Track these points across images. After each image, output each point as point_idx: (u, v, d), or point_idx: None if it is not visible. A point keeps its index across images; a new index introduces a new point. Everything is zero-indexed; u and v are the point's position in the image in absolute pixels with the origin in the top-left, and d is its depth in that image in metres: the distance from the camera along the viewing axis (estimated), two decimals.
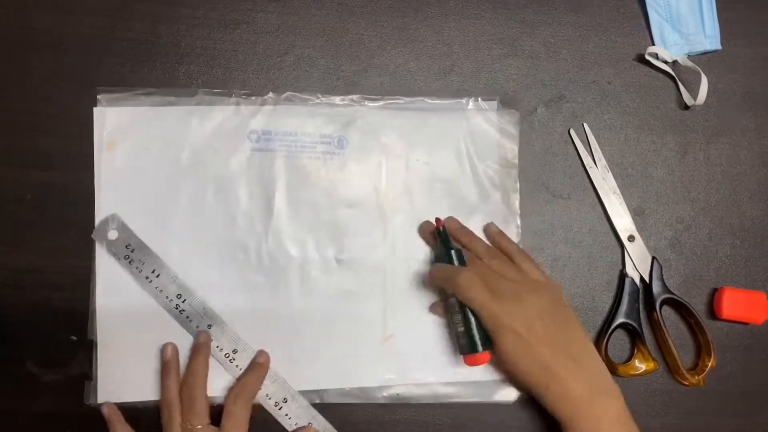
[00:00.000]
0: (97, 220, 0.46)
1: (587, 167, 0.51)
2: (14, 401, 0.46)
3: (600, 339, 0.49)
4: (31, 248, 0.47)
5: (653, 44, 0.53)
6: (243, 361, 0.46)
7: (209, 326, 0.46)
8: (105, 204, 0.47)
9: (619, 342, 0.50)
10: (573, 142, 0.51)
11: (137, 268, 0.46)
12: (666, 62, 0.52)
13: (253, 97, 0.48)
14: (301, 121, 0.48)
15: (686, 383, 0.49)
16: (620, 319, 0.49)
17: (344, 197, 0.48)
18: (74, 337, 0.46)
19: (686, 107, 0.52)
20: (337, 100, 0.49)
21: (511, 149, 0.50)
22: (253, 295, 0.47)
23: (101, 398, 0.45)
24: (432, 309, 0.48)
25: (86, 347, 0.46)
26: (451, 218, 0.48)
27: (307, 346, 0.47)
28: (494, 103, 0.50)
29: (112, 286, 0.46)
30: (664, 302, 0.50)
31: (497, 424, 0.49)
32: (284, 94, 0.49)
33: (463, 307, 0.43)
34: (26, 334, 0.46)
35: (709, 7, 0.53)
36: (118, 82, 0.48)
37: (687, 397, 0.50)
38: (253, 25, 0.50)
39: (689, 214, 0.52)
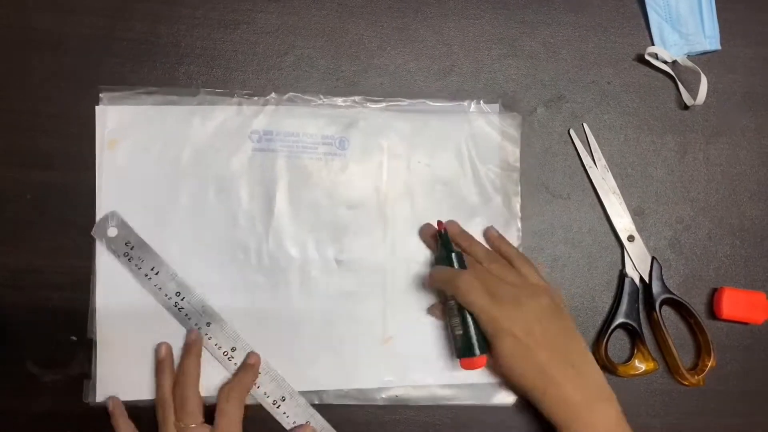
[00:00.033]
0: (98, 219, 0.46)
1: (587, 167, 0.51)
2: (14, 401, 0.46)
3: (600, 339, 0.49)
4: (31, 248, 0.47)
5: (653, 44, 0.53)
6: (241, 360, 0.46)
7: (208, 324, 0.46)
8: (106, 202, 0.47)
9: (618, 342, 0.50)
10: (573, 142, 0.51)
11: (136, 265, 0.46)
12: (666, 62, 0.52)
13: (255, 98, 0.48)
14: (303, 122, 0.48)
15: (686, 383, 0.49)
16: (620, 319, 0.49)
17: (345, 198, 0.48)
18: (74, 337, 0.46)
19: (686, 107, 0.53)
20: (338, 101, 0.49)
21: (513, 152, 0.50)
22: (253, 295, 0.47)
23: (100, 397, 0.45)
24: (430, 311, 0.48)
25: (86, 347, 0.46)
26: (451, 222, 0.48)
27: (306, 346, 0.47)
28: (496, 106, 0.50)
29: (112, 285, 0.46)
30: (663, 302, 0.50)
31: (497, 425, 0.49)
32: (286, 95, 0.49)
33: (462, 310, 0.43)
34: (26, 334, 0.46)
35: (709, 7, 0.53)
36: (118, 82, 0.48)
37: (687, 397, 0.50)
38: (253, 26, 0.50)
39: (689, 214, 0.52)
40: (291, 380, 0.46)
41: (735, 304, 0.50)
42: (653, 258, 0.50)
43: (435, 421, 0.48)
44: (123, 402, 0.45)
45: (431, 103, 0.50)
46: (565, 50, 0.52)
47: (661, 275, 0.50)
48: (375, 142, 0.49)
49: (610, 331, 0.49)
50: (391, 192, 0.49)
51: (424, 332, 0.48)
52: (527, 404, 0.47)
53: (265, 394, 0.46)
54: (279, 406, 0.46)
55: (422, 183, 0.49)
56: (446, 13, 0.52)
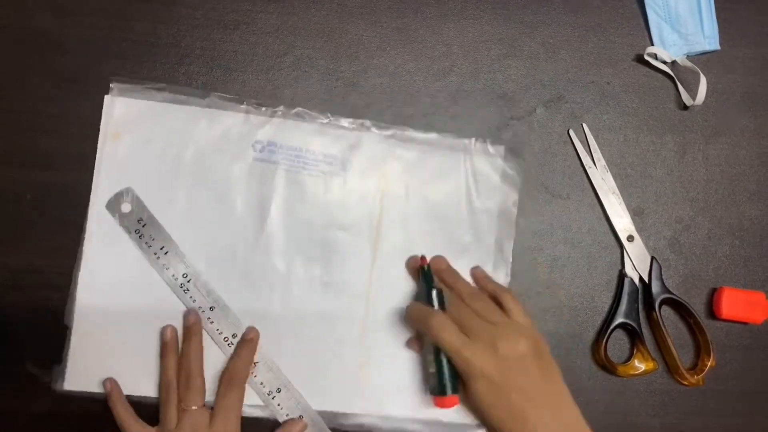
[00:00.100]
0: (92, 206, 0.46)
1: (586, 167, 0.51)
2: (14, 401, 0.46)
3: (599, 339, 0.49)
4: (31, 248, 0.47)
5: (652, 44, 0.53)
6: None
7: (212, 308, 0.46)
8: (102, 192, 0.47)
9: (618, 342, 0.50)
10: (572, 143, 0.51)
11: (146, 243, 0.46)
12: (665, 62, 0.52)
13: (264, 108, 0.48)
14: (308, 138, 0.48)
15: (686, 383, 0.49)
16: (619, 319, 0.49)
17: (339, 219, 0.48)
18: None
19: (685, 107, 0.53)
20: (346, 122, 0.49)
21: (512, 196, 0.50)
22: (235, 302, 0.47)
23: (69, 385, 0.45)
24: (408, 344, 0.47)
25: (61, 333, 0.45)
26: (439, 257, 0.48)
27: (280, 360, 0.47)
28: (501, 148, 0.50)
29: (97, 274, 0.46)
30: (663, 302, 0.50)
31: None
32: (295, 109, 0.49)
33: (436, 348, 0.43)
34: (26, 334, 0.46)
35: (708, 7, 0.53)
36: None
37: (686, 396, 0.50)
38: (253, 26, 0.50)
39: (688, 214, 0.52)
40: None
41: (734, 303, 0.50)
42: (653, 258, 0.50)
43: None
44: (92, 394, 0.45)
45: (438, 136, 0.49)
46: (564, 50, 0.52)
47: (661, 275, 0.50)
48: (376, 167, 0.49)
49: (609, 331, 0.49)
50: (386, 219, 0.48)
51: (401, 364, 0.47)
52: None
53: (261, 384, 0.46)
54: (274, 397, 0.46)
55: (417, 214, 0.49)
56: (446, 13, 0.52)
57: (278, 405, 0.46)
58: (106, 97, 0.47)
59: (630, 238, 0.50)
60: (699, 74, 0.51)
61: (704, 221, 0.52)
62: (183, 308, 0.46)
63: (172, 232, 0.47)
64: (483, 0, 0.52)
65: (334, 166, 0.48)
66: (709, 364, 0.49)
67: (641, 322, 0.50)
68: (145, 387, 0.45)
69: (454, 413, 0.46)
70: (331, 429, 0.47)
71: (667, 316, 0.50)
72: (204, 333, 0.46)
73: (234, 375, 0.45)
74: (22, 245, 0.47)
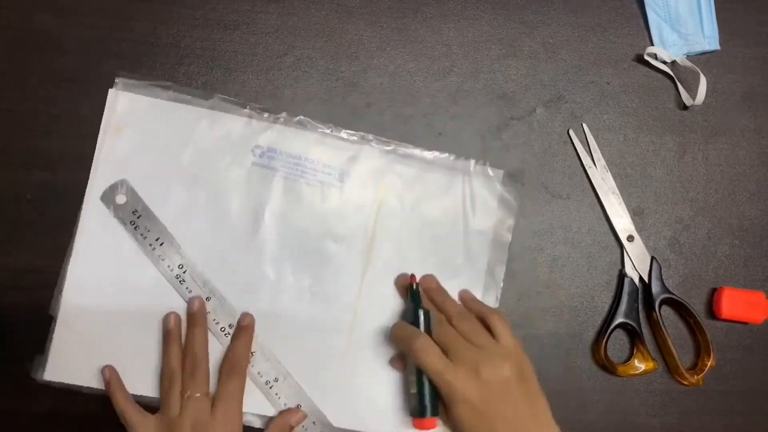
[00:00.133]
0: (87, 198, 0.46)
1: (586, 167, 0.51)
2: (14, 401, 0.46)
3: (599, 339, 0.49)
4: (31, 248, 0.47)
5: (652, 44, 0.53)
6: None
7: (208, 299, 0.46)
8: (98, 184, 0.47)
9: (618, 342, 0.50)
10: (572, 143, 0.52)
11: (142, 234, 0.46)
12: (665, 62, 0.52)
13: (266, 114, 0.48)
14: (308, 147, 0.48)
15: (686, 383, 0.49)
16: (619, 319, 0.49)
17: (333, 230, 0.48)
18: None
19: (685, 107, 0.53)
20: (346, 134, 0.49)
21: (507, 221, 0.49)
22: (223, 307, 0.47)
23: (49, 376, 0.45)
24: (392, 362, 0.47)
25: (46, 323, 0.45)
26: (429, 277, 0.48)
27: (262, 367, 0.46)
28: (500, 173, 0.50)
29: (91, 265, 0.46)
30: (663, 302, 0.50)
31: None
32: (297, 117, 0.49)
33: (419, 369, 0.42)
34: (26, 334, 0.46)
35: (708, 7, 0.53)
36: None
37: (686, 396, 0.50)
38: (253, 26, 0.50)
39: (688, 214, 0.52)
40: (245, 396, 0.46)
41: (734, 303, 0.50)
42: (653, 258, 0.50)
43: None
44: (71, 386, 0.45)
45: (438, 155, 0.49)
46: (564, 50, 0.52)
47: (661, 275, 0.50)
48: (374, 181, 0.49)
49: (609, 330, 0.49)
50: (379, 234, 0.48)
51: (383, 382, 0.47)
52: None
53: (258, 373, 0.46)
54: (272, 386, 0.46)
55: (412, 231, 0.49)
56: (445, 13, 0.52)
57: (276, 395, 0.46)
58: (110, 90, 0.47)
59: (630, 238, 0.50)
60: (699, 74, 0.51)
61: (704, 221, 0.52)
62: (178, 299, 0.46)
63: (162, 228, 0.47)
64: (483, 0, 0.52)
65: (332, 176, 0.48)
66: (709, 364, 0.49)
67: (641, 322, 0.50)
68: (132, 383, 0.45)
69: None
70: None
71: (667, 316, 0.50)
72: None
73: (234, 362, 0.45)
74: (22, 245, 0.47)
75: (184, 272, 0.46)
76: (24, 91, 0.48)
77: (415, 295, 0.45)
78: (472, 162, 0.49)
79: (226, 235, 0.47)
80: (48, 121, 0.48)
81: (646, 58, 0.52)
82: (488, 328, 0.44)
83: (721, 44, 0.53)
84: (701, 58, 0.53)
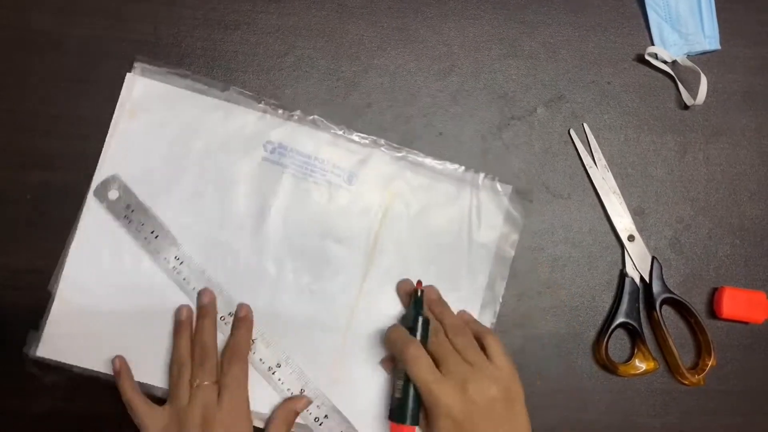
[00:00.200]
0: (95, 180, 0.47)
1: (587, 167, 0.51)
2: (14, 401, 0.46)
3: (600, 338, 0.49)
4: (31, 248, 0.47)
5: (653, 44, 0.53)
6: None
7: (205, 289, 0.46)
8: (106, 168, 0.47)
9: (619, 341, 0.50)
10: (573, 142, 0.51)
11: (136, 228, 0.46)
12: (665, 62, 0.52)
13: (281, 111, 0.48)
14: (319, 147, 0.48)
15: (686, 383, 0.49)
16: (620, 319, 0.49)
17: (337, 232, 0.48)
18: None
19: (686, 107, 0.53)
20: (358, 137, 0.49)
21: (512, 237, 0.49)
22: (219, 297, 0.47)
23: (41, 352, 0.45)
24: (382, 363, 0.47)
25: (44, 299, 0.46)
26: (431, 287, 0.48)
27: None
28: (509, 188, 0.49)
29: (90, 248, 0.46)
30: (664, 302, 0.50)
31: None
32: (311, 116, 0.49)
33: (407, 376, 0.42)
34: (26, 334, 0.46)
35: (709, 7, 0.53)
36: (118, 82, 0.48)
37: (687, 396, 0.50)
38: (254, 26, 0.50)
39: (689, 213, 0.52)
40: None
41: (735, 303, 0.50)
42: (653, 257, 0.50)
43: None
44: (63, 364, 0.45)
45: (448, 166, 0.49)
46: (565, 50, 0.52)
47: (662, 275, 0.50)
48: (382, 186, 0.49)
49: (610, 330, 0.49)
50: (383, 239, 0.48)
51: (373, 387, 0.47)
52: None
53: (260, 360, 0.46)
54: (274, 372, 0.46)
55: (416, 239, 0.48)
56: (446, 13, 0.52)
57: (279, 380, 0.46)
58: (128, 75, 0.48)
59: (631, 238, 0.50)
60: (699, 74, 0.51)
61: (705, 221, 0.52)
62: (176, 291, 0.46)
63: (170, 216, 0.47)
64: (483, 0, 0.52)
65: (341, 178, 0.48)
66: (709, 363, 0.49)
67: (642, 322, 0.50)
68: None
69: None
70: None
71: (667, 315, 0.50)
72: None
73: (235, 351, 0.45)
74: (22, 245, 0.47)
75: (180, 263, 0.46)
76: (24, 91, 0.48)
77: (418, 301, 0.45)
78: (481, 175, 0.49)
79: (231, 228, 0.47)
80: (48, 121, 0.48)
81: (647, 57, 0.52)
82: (483, 348, 0.44)
83: (721, 44, 0.53)
84: (702, 58, 0.53)
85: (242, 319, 0.46)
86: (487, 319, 0.48)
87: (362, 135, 0.49)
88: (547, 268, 0.50)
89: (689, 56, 0.52)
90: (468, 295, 0.48)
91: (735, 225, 0.52)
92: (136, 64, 0.48)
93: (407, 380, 0.42)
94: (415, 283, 0.47)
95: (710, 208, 0.52)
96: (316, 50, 0.50)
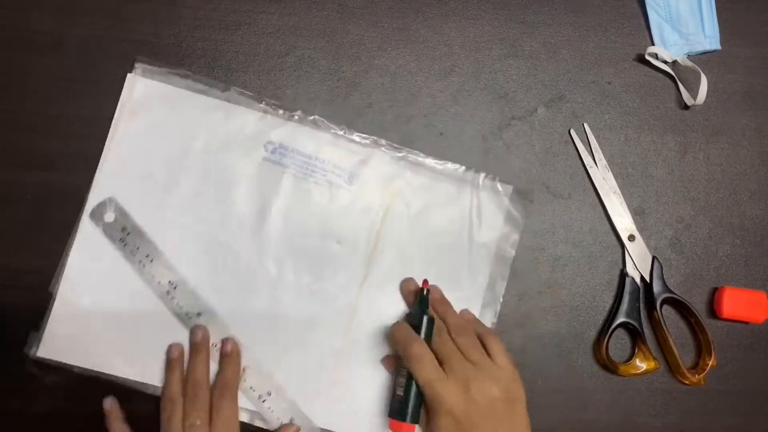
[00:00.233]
0: (95, 183, 0.47)
1: (587, 167, 0.51)
2: (14, 401, 0.46)
3: (601, 338, 0.49)
4: (31, 249, 0.47)
5: (653, 44, 0.53)
6: None
7: (199, 314, 0.46)
8: (107, 169, 0.47)
9: (619, 341, 0.50)
10: (573, 142, 0.52)
11: (131, 251, 0.46)
12: (666, 62, 0.52)
13: (281, 111, 0.48)
14: (320, 147, 0.48)
15: (687, 382, 0.50)
16: (621, 319, 0.49)
17: (337, 232, 0.48)
18: None
19: (686, 107, 0.53)
20: (359, 137, 0.49)
21: (512, 237, 0.49)
22: (221, 296, 0.47)
23: (42, 353, 0.45)
24: (383, 360, 0.47)
25: (44, 299, 0.46)
26: (435, 287, 0.48)
27: (258, 362, 0.47)
28: (509, 188, 0.49)
29: (91, 250, 0.46)
30: (664, 301, 0.50)
31: None
32: (312, 117, 0.49)
33: (410, 374, 0.42)
34: (26, 334, 0.46)
35: (709, 7, 0.53)
36: (118, 82, 0.48)
37: (688, 396, 0.50)
38: (254, 27, 0.50)
39: (689, 213, 0.52)
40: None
41: (735, 303, 0.50)
42: (654, 257, 0.50)
43: None
44: (63, 365, 0.45)
45: (448, 166, 0.49)
46: (565, 50, 0.52)
47: (662, 274, 0.50)
48: (383, 186, 0.49)
49: (610, 330, 0.49)
50: (384, 239, 0.48)
51: (373, 387, 0.47)
52: None
53: (251, 388, 0.46)
54: (264, 401, 0.46)
55: (416, 239, 0.48)
56: (447, 13, 0.52)
57: (269, 408, 0.46)
58: (128, 75, 0.48)
59: (631, 238, 0.50)
60: (700, 74, 0.51)
61: (705, 220, 0.52)
62: (170, 317, 0.46)
63: (168, 218, 0.47)
64: (484, 0, 0.52)
65: (342, 178, 0.48)
66: (710, 363, 0.49)
67: (642, 322, 0.50)
68: (119, 367, 0.46)
69: None
70: None
71: (668, 315, 0.50)
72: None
73: (224, 388, 0.45)
74: (22, 245, 0.47)
75: (174, 288, 0.46)
76: (24, 91, 0.48)
77: (424, 300, 0.45)
78: (482, 175, 0.49)
79: (231, 228, 0.47)
80: (48, 121, 0.48)
81: (647, 57, 0.52)
82: (485, 348, 0.44)
83: (722, 44, 0.53)
84: (702, 58, 0.53)
85: (229, 355, 0.46)
86: (487, 319, 0.48)
87: (363, 135, 0.49)
88: (547, 267, 0.50)
89: (689, 56, 0.53)
90: (468, 295, 0.48)
91: (735, 225, 0.52)
92: (137, 65, 0.48)
93: (410, 378, 0.42)
94: (419, 282, 0.47)
95: (710, 208, 0.52)
96: (316, 50, 0.50)
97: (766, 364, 0.51)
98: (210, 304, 0.47)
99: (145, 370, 0.46)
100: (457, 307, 0.48)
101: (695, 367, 0.50)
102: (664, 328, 0.49)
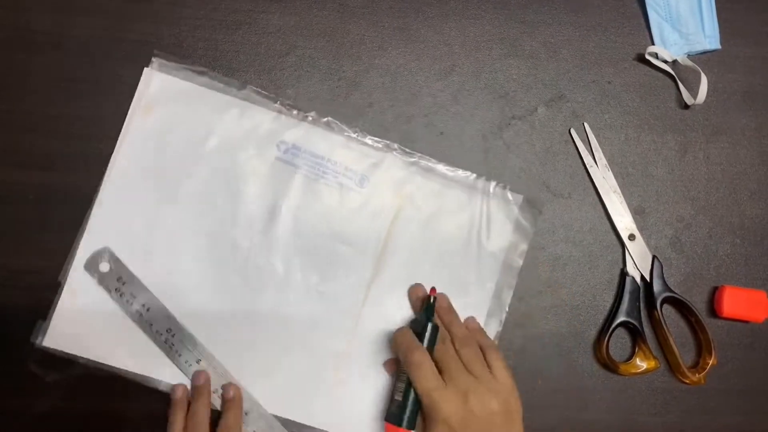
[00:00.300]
0: (107, 175, 0.47)
1: (588, 166, 0.51)
2: (14, 401, 0.46)
3: (601, 338, 0.50)
4: (32, 249, 0.47)
5: (653, 44, 0.53)
6: None
7: (198, 361, 0.46)
8: (123, 160, 0.47)
9: (620, 341, 0.50)
10: (573, 142, 0.52)
11: (128, 301, 0.46)
12: (666, 62, 0.52)
13: (295, 111, 0.48)
14: (332, 149, 0.48)
15: (687, 381, 0.50)
16: (621, 318, 0.49)
17: (347, 234, 0.48)
18: None
19: (686, 106, 0.53)
20: (372, 140, 0.49)
21: (521, 247, 0.49)
22: (228, 295, 0.47)
23: (48, 342, 0.45)
24: (385, 364, 0.47)
25: (52, 289, 0.46)
26: (442, 295, 0.48)
27: (259, 361, 0.47)
28: (519, 198, 0.50)
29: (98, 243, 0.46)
30: (664, 301, 0.50)
31: None
32: (325, 118, 0.49)
33: (409, 380, 0.42)
34: (26, 334, 0.46)
35: (709, 6, 0.53)
36: (119, 82, 0.48)
37: (688, 395, 0.50)
38: (255, 26, 0.50)
39: (689, 212, 0.52)
40: (243, 384, 0.46)
41: (736, 302, 0.50)
42: (654, 257, 0.50)
43: None
44: (68, 354, 0.45)
45: (459, 173, 0.49)
46: (565, 50, 0.52)
47: (662, 274, 0.50)
48: (393, 190, 0.49)
49: (611, 329, 0.49)
50: (392, 242, 0.48)
51: (375, 391, 0.47)
52: None
53: None
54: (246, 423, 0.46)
55: (425, 244, 0.49)
56: (447, 13, 0.52)
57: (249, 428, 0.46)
58: (145, 69, 0.48)
59: (631, 237, 0.51)
60: (700, 73, 0.51)
61: (705, 220, 0.52)
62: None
63: (180, 213, 0.47)
64: (484, 0, 0.52)
65: (353, 180, 0.48)
66: (710, 362, 0.49)
67: (643, 321, 0.50)
68: (122, 359, 0.46)
69: None
70: None
71: (668, 314, 0.50)
72: None
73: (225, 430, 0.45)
74: (23, 246, 0.47)
75: (172, 336, 0.46)
76: (24, 91, 0.48)
77: (430, 308, 0.45)
78: (493, 183, 0.49)
79: (241, 225, 0.47)
80: (48, 121, 0.48)
81: (647, 57, 0.52)
82: (486, 361, 0.44)
83: (721, 43, 0.53)
84: (702, 58, 0.53)
85: (231, 400, 0.46)
86: (492, 328, 0.49)
87: (375, 138, 0.49)
88: (547, 267, 0.50)
89: (689, 56, 0.53)
90: (475, 302, 0.48)
91: (735, 224, 0.52)
92: (153, 59, 0.48)
93: (409, 384, 0.42)
94: (427, 288, 0.47)
95: (710, 207, 0.52)
96: (317, 50, 0.50)
97: (766, 363, 0.51)
98: (210, 350, 0.46)
99: (147, 363, 0.46)
100: (463, 314, 0.48)
101: (695, 366, 0.50)
102: (665, 327, 0.49)
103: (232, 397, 0.46)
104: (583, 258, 0.51)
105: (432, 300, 0.45)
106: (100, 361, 0.45)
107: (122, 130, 0.47)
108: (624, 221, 0.51)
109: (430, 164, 0.49)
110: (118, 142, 0.47)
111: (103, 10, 0.49)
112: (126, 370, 0.46)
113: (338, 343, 0.47)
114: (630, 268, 0.50)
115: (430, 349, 0.43)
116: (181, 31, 0.49)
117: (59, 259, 0.46)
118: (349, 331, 0.47)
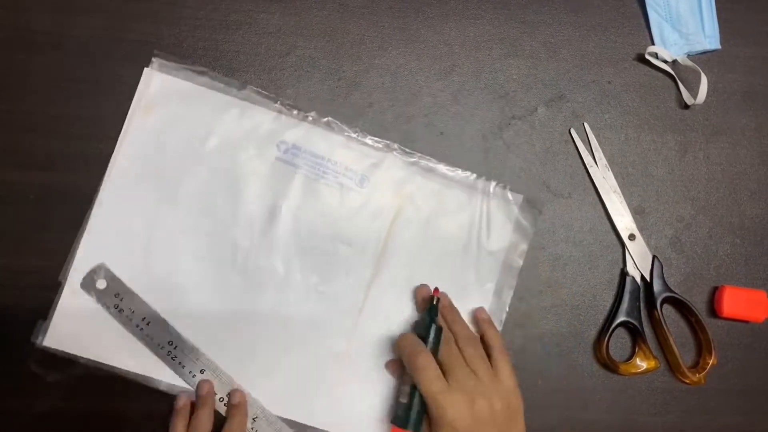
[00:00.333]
0: (107, 176, 0.47)
1: (588, 166, 0.51)
2: (14, 401, 0.46)
3: (601, 337, 0.50)
4: (32, 249, 0.47)
5: (653, 44, 0.53)
6: None
7: (202, 371, 0.46)
8: (122, 161, 0.47)
9: (620, 340, 0.50)
10: (573, 142, 0.52)
11: (127, 316, 0.46)
12: (666, 62, 0.52)
13: (295, 111, 0.48)
14: (333, 149, 0.48)
15: (687, 381, 0.50)
16: (621, 318, 0.49)
17: (347, 234, 0.48)
18: None
19: (686, 106, 0.53)
20: (372, 140, 0.49)
21: (521, 247, 0.49)
22: (228, 295, 0.47)
23: (48, 341, 0.45)
24: (387, 365, 0.47)
25: (53, 289, 0.46)
26: (444, 294, 0.48)
27: (260, 361, 0.47)
28: (519, 197, 0.50)
29: (99, 241, 0.46)
30: (664, 301, 0.50)
31: None
32: (326, 118, 0.49)
33: (414, 383, 0.42)
34: (26, 334, 0.46)
35: (709, 6, 0.53)
36: (119, 82, 0.48)
37: (688, 395, 0.50)
38: (255, 26, 0.50)
39: (689, 212, 0.52)
40: (243, 385, 0.46)
41: (735, 302, 0.50)
42: (654, 256, 0.50)
43: None
44: (68, 354, 0.45)
45: (459, 173, 0.49)
46: (565, 50, 0.52)
47: (662, 274, 0.50)
48: (393, 190, 0.49)
49: (611, 329, 0.49)
50: (392, 242, 0.48)
51: (375, 392, 0.47)
52: None
53: None
54: (253, 428, 0.46)
55: (425, 244, 0.49)
56: (447, 13, 0.52)
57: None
58: (145, 69, 0.48)
59: (631, 237, 0.51)
60: (700, 73, 0.51)
61: (705, 220, 0.52)
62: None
63: (180, 213, 0.47)
64: (484, 0, 0.52)
65: (353, 180, 0.48)
66: (710, 362, 0.49)
67: (643, 321, 0.50)
68: (123, 359, 0.46)
69: None
70: None
71: (668, 314, 0.50)
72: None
73: None
74: (23, 246, 0.47)
75: (174, 348, 0.46)
76: (24, 91, 0.48)
77: (433, 309, 0.45)
78: (493, 183, 0.49)
79: (241, 225, 0.47)
80: (48, 121, 0.48)
81: (647, 57, 0.52)
82: (489, 357, 0.44)
83: (721, 43, 0.53)
84: (702, 58, 0.53)
85: (236, 406, 0.46)
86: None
87: (375, 139, 0.49)
88: (547, 267, 0.50)
89: (689, 56, 0.53)
90: (475, 303, 0.48)
91: (735, 224, 0.52)
92: (153, 59, 0.48)
93: (414, 387, 0.42)
94: (431, 288, 0.47)
95: (710, 207, 0.52)
96: (317, 50, 0.50)
97: (766, 363, 0.51)
98: (211, 353, 0.46)
99: (147, 363, 0.46)
100: (463, 314, 0.48)
101: (695, 366, 0.50)
102: (665, 327, 0.49)
103: (237, 403, 0.46)
104: (583, 258, 0.51)
105: (435, 301, 0.45)
106: (101, 360, 0.45)
107: (122, 130, 0.47)
108: (624, 221, 0.51)
109: (430, 164, 0.49)
110: (118, 142, 0.47)
111: (103, 10, 0.49)
112: (126, 370, 0.46)
113: (338, 343, 0.47)
114: (630, 268, 0.50)
115: (435, 350, 0.43)
116: (181, 31, 0.49)
117: (59, 259, 0.46)
118: (349, 331, 0.47)
